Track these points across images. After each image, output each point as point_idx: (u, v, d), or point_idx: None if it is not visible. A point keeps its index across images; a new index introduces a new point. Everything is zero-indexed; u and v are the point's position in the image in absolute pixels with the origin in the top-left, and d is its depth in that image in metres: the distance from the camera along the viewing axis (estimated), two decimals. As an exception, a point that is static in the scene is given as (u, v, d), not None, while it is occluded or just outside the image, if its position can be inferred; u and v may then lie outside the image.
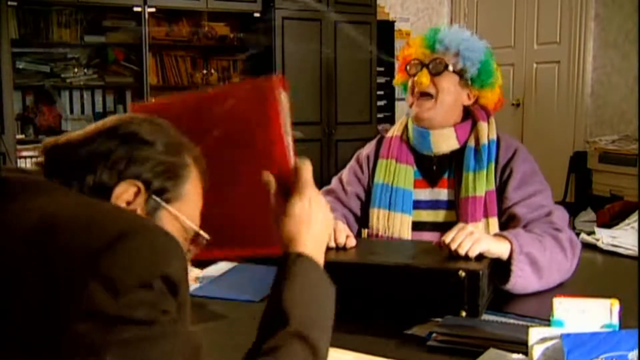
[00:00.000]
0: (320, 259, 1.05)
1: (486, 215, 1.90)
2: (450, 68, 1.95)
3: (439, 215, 1.98)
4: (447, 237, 1.62)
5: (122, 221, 0.85)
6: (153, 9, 5.06)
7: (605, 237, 2.31)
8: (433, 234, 1.94)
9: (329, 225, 1.10)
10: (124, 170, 0.94)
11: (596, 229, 2.44)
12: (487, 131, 1.96)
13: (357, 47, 5.71)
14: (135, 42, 5.09)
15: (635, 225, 2.62)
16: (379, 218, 2.00)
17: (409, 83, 2.01)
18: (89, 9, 5.04)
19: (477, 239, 1.61)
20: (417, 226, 1.98)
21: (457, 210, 1.94)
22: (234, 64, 5.72)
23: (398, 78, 2.10)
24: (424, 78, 1.94)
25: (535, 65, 6.09)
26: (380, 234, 1.98)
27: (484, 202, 1.90)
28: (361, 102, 5.82)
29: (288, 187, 1.08)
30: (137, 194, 0.94)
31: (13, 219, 0.85)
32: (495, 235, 1.74)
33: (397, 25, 6.45)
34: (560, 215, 1.87)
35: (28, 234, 0.82)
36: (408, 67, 2.01)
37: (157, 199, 0.96)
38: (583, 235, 2.30)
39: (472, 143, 1.97)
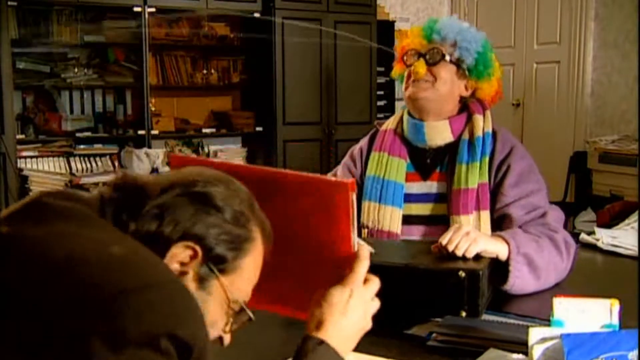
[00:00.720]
0: (344, 353, 1.03)
1: (478, 208, 1.88)
2: (447, 58, 1.93)
3: (429, 209, 1.96)
4: (444, 239, 1.62)
5: (146, 271, 0.83)
6: (153, 9, 5.05)
7: (605, 237, 2.31)
8: (423, 228, 1.94)
9: (363, 326, 1.08)
10: (188, 230, 0.91)
11: (596, 229, 2.44)
12: (482, 124, 1.94)
13: (357, 47, 5.71)
14: (135, 42, 5.08)
15: (635, 225, 2.62)
16: (369, 211, 1.98)
17: (406, 72, 1.99)
18: (89, 9, 5.03)
19: (473, 239, 1.61)
20: (407, 220, 1.96)
21: (448, 202, 1.92)
22: (234, 64, 5.72)
23: (396, 69, 2.08)
24: (421, 67, 1.92)
25: (535, 65, 6.09)
26: (370, 226, 1.97)
27: (476, 194, 1.88)
28: (361, 102, 5.82)
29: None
30: (192, 257, 0.92)
31: (41, 243, 0.83)
32: (493, 235, 1.74)
33: (397, 25, 6.45)
34: (556, 216, 1.86)
35: (50, 262, 0.81)
36: (405, 58, 1.99)
37: (213, 267, 0.93)
38: (583, 235, 2.30)
39: (466, 136, 1.95)
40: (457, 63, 1.95)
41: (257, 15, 5.42)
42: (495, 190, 1.89)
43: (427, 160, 1.99)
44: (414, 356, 1.37)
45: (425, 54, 1.95)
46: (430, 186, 1.98)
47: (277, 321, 1.63)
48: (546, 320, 1.27)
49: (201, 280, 0.93)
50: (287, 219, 1.09)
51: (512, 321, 1.50)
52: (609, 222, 3.64)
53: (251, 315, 1.01)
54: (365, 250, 1.10)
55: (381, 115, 6.12)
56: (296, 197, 1.09)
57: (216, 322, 0.98)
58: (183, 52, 5.49)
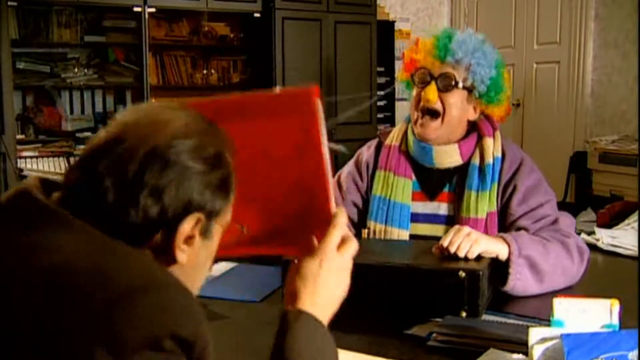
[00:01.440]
0: (324, 320, 1.03)
1: None
2: (460, 85, 1.88)
3: (436, 230, 1.93)
4: (445, 241, 1.63)
5: (135, 274, 0.83)
6: (153, 9, 5.05)
7: (605, 237, 2.31)
8: None
9: (339, 294, 1.08)
10: (187, 205, 0.90)
11: (596, 229, 2.44)
12: (492, 148, 1.91)
13: (357, 47, 5.72)
14: (136, 42, 5.08)
15: (636, 225, 2.61)
16: (375, 231, 1.97)
17: (414, 92, 1.94)
18: (89, 9, 5.03)
19: (475, 239, 1.62)
20: (413, 239, 1.94)
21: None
22: (234, 64, 5.72)
23: (403, 75, 2.01)
24: (432, 95, 1.87)
25: (535, 65, 6.09)
26: None
27: (484, 224, 1.87)
28: (361, 103, 5.81)
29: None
30: (197, 223, 0.92)
31: (23, 254, 0.83)
32: (496, 236, 1.74)
33: (397, 26, 6.45)
34: (567, 222, 1.88)
35: (35, 276, 0.80)
36: (415, 76, 1.94)
37: (213, 220, 0.95)
38: (583, 235, 2.30)
39: (476, 160, 1.92)
40: (469, 89, 1.90)
41: (257, 15, 5.42)
42: (503, 211, 1.89)
43: (433, 180, 1.97)
44: (414, 356, 1.37)
45: (437, 78, 1.88)
46: (438, 207, 1.96)
47: (274, 322, 1.64)
48: (546, 320, 1.27)
49: (205, 233, 0.95)
50: (258, 146, 1.08)
51: (512, 321, 1.50)
52: (609, 222, 3.64)
53: (243, 229, 1.06)
54: (341, 216, 1.07)
55: (381, 116, 6.13)
56: (263, 117, 1.07)
57: (216, 250, 1.02)
58: (183, 52, 5.50)
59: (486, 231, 1.84)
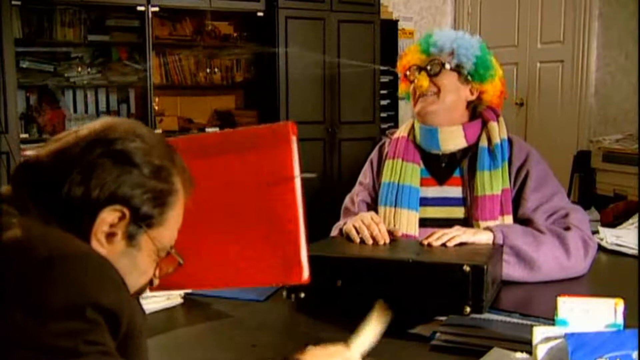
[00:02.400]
0: None
1: (502, 213, 1.93)
2: (447, 66, 1.99)
3: (447, 212, 1.99)
4: (425, 241, 1.73)
5: (55, 245, 0.84)
6: (156, 8, 5.06)
7: (609, 237, 2.30)
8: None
9: None
10: (114, 193, 0.93)
11: (600, 229, 2.44)
12: (498, 130, 1.99)
13: (360, 46, 5.71)
14: (139, 42, 5.09)
15: (639, 224, 2.61)
16: (385, 215, 2.00)
17: (411, 89, 2.05)
18: (92, 8, 5.04)
19: (454, 234, 1.73)
20: (424, 222, 1.99)
21: (469, 208, 1.96)
22: (238, 63, 5.72)
23: (402, 88, 2.15)
24: (424, 81, 1.99)
25: (538, 64, 6.08)
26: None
27: (500, 200, 1.93)
28: (364, 102, 5.81)
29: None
30: (121, 218, 0.94)
31: None
32: (484, 229, 1.83)
33: (401, 25, 6.45)
34: (578, 217, 1.91)
35: None
36: (408, 74, 2.06)
37: (141, 224, 0.96)
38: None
39: (484, 143, 1.99)
40: (458, 70, 2.00)
41: (260, 14, 5.42)
42: (517, 196, 1.94)
43: (441, 165, 2.02)
44: (418, 355, 1.37)
45: (425, 67, 2.00)
46: (449, 191, 2.01)
47: (277, 321, 1.64)
48: (550, 319, 1.27)
49: (130, 238, 0.96)
50: (236, 177, 1.14)
51: (516, 320, 1.50)
52: (613, 222, 3.63)
53: (180, 259, 1.04)
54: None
55: (384, 115, 6.12)
56: (243, 150, 1.13)
57: (146, 271, 1.01)
58: (186, 51, 5.50)
59: (502, 208, 1.92)
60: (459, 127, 2.00)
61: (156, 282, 1.04)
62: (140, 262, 0.98)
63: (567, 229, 1.85)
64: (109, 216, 0.93)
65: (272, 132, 1.12)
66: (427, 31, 2.17)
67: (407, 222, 1.97)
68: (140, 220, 0.95)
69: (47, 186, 0.92)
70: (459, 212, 1.98)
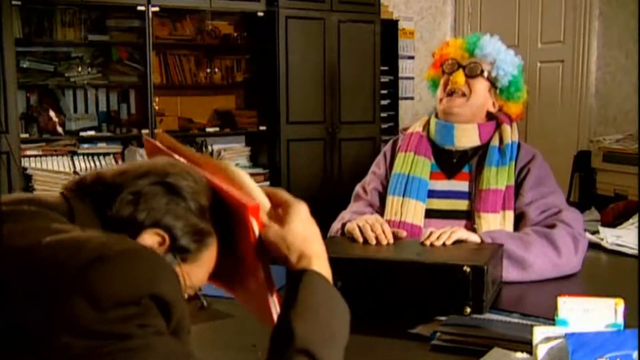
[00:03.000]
0: (327, 274, 1.03)
1: (504, 208, 1.97)
2: (485, 74, 2.06)
3: (452, 204, 2.04)
4: (427, 241, 1.74)
5: (112, 242, 0.86)
6: (157, 8, 5.06)
7: (609, 237, 2.30)
8: (445, 222, 1.98)
9: (321, 240, 1.07)
10: (160, 219, 0.96)
11: (600, 229, 2.44)
12: (510, 133, 2.05)
13: (360, 46, 5.71)
14: (139, 41, 5.09)
15: (639, 224, 2.61)
16: (392, 205, 2.05)
17: (442, 80, 2.10)
18: (92, 8, 5.04)
19: (451, 231, 1.75)
20: (429, 213, 2.03)
21: (473, 200, 2.01)
22: (238, 63, 5.72)
23: (429, 72, 2.20)
24: (460, 77, 2.04)
25: (539, 64, 6.08)
26: (393, 219, 2.03)
27: (503, 195, 1.97)
28: (365, 101, 5.81)
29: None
30: (160, 244, 0.97)
31: (9, 238, 0.86)
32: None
33: (401, 24, 6.45)
34: (570, 215, 1.93)
35: (18, 249, 0.84)
36: (444, 65, 2.10)
37: (177, 255, 0.98)
38: (587, 235, 2.30)
39: (496, 142, 2.05)
40: (492, 81, 2.07)
41: (260, 14, 5.42)
42: (516, 191, 2.00)
43: (452, 161, 2.08)
44: (418, 355, 1.37)
45: (465, 66, 2.06)
46: (456, 185, 2.06)
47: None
48: (550, 319, 1.27)
49: None
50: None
51: (516, 320, 1.50)
52: (613, 222, 3.63)
53: (204, 302, 1.08)
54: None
55: (385, 115, 6.13)
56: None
57: None
58: (187, 51, 5.50)
59: (504, 203, 1.97)
60: (475, 126, 2.06)
61: None
62: None
63: (554, 226, 1.89)
64: (149, 238, 0.96)
65: (233, 208, 1.02)
66: (474, 33, 2.23)
67: (414, 212, 2.02)
68: (177, 251, 0.98)
69: (100, 201, 0.96)
70: (463, 204, 2.03)
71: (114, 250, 0.84)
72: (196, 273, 1.02)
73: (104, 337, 0.78)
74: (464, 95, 2.05)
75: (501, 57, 2.06)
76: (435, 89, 2.15)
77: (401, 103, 6.37)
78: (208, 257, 1.03)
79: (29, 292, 0.80)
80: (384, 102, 6.12)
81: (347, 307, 1.02)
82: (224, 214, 1.03)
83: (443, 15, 6.89)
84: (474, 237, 1.81)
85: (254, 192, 1.04)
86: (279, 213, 1.04)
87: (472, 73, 2.05)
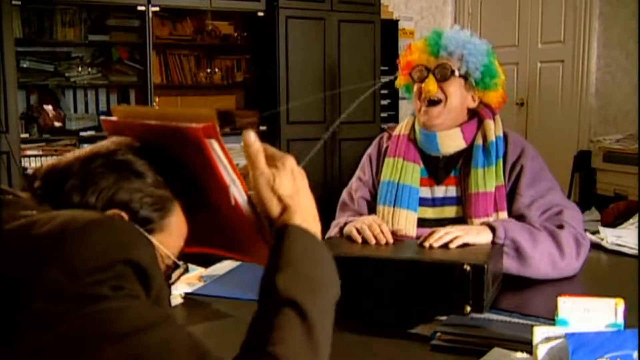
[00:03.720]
0: (313, 228, 0.98)
1: (496, 210, 1.92)
2: (456, 73, 1.97)
3: (444, 212, 2.00)
4: (427, 242, 1.71)
5: (85, 215, 0.86)
6: (157, 8, 5.06)
7: (609, 237, 2.30)
8: None
9: (310, 195, 1.02)
10: (112, 198, 0.95)
11: (600, 229, 2.44)
12: (494, 129, 1.99)
13: (361, 46, 5.71)
14: (139, 41, 5.09)
15: (640, 224, 2.61)
16: (383, 215, 2.00)
17: (414, 88, 2.03)
18: (93, 8, 5.04)
19: (455, 235, 1.71)
20: (421, 223, 1.99)
21: (464, 205, 1.97)
22: (238, 63, 5.72)
23: (400, 80, 2.11)
24: (432, 85, 1.96)
25: (539, 64, 6.08)
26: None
27: (493, 198, 1.93)
28: (365, 101, 5.81)
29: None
30: None
31: None
32: (482, 225, 1.83)
33: (401, 24, 6.45)
34: (571, 214, 1.90)
35: None
36: (413, 73, 2.02)
37: (141, 229, 0.96)
38: (587, 235, 2.30)
39: (479, 141, 1.99)
40: (465, 76, 1.98)
41: (260, 14, 5.42)
42: (512, 191, 1.94)
43: (440, 166, 2.03)
44: (418, 355, 1.37)
45: (434, 70, 1.98)
46: (445, 190, 2.02)
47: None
48: (551, 319, 1.27)
49: None
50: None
51: (516, 320, 1.50)
52: (613, 222, 3.63)
53: (181, 264, 1.04)
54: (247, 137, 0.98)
55: (385, 115, 6.12)
56: (177, 146, 1.00)
57: None
58: (187, 51, 5.50)
59: (496, 206, 1.92)
60: (457, 130, 2.00)
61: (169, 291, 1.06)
62: None
63: (561, 227, 1.85)
64: None
65: (184, 134, 0.95)
66: (434, 29, 2.11)
67: (406, 222, 1.97)
68: (140, 225, 0.96)
69: (52, 196, 0.95)
70: (455, 210, 1.99)
71: (85, 219, 0.83)
72: (168, 242, 1.00)
73: (78, 301, 0.78)
74: (440, 101, 1.97)
75: (468, 49, 1.96)
76: (410, 94, 2.08)
77: (401, 103, 6.37)
78: (175, 223, 1.01)
79: (3, 269, 0.80)
80: (384, 102, 6.12)
81: (332, 259, 0.98)
82: (178, 167, 1.00)
83: (443, 15, 6.89)
84: (485, 238, 1.76)
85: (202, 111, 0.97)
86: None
87: (443, 77, 1.97)
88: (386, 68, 6.09)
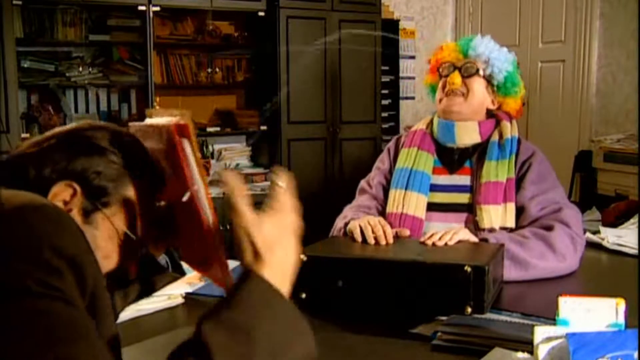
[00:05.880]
0: (281, 287, 0.88)
1: (505, 200, 1.99)
2: (480, 72, 2.11)
3: (454, 197, 2.07)
4: (427, 238, 1.77)
5: (13, 198, 0.85)
6: (157, 8, 5.05)
7: (610, 237, 2.30)
8: (446, 215, 2.04)
9: (294, 255, 0.92)
10: (66, 169, 0.95)
11: (601, 228, 2.44)
12: (510, 129, 2.10)
13: (361, 46, 5.71)
14: (140, 41, 5.08)
15: (641, 224, 2.60)
16: (395, 197, 2.08)
17: (440, 82, 2.15)
18: (93, 8, 5.04)
19: (453, 232, 1.78)
20: (431, 207, 2.06)
21: (474, 193, 2.03)
22: (239, 62, 5.72)
23: (427, 79, 2.26)
24: (457, 78, 2.10)
25: (540, 64, 6.08)
26: (395, 211, 2.05)
27: (504, 188, 2.00)
28: (366, 101, 5.81)
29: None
30: (73, 195, 0.95)
31: None
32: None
33: (402, 24, 6.45)
34: (570, 214, 1.94)
35: None
36: (440, 69, 2.16)
37: (95, 201, 0.96)
38: (588, 235, 2.30)
39: (495, 138, 2.09)
40: (488, 79, 2.12)
41: (261, 13, 5.42)
42: (517, 184, 2.03)
43: (454, 157, 2.12)
44: (419, 355, 1.37)
45: (460, 67, 2.12)
46: (458, 179, 2.10)
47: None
48: (551, 319, 1.27)
49: (86, 215, 0.97)
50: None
51: (517, 320, 1.50)
52: (614, 222, 3.63)
53: (133, 237, 1.01)
54: (279, 178, 0.93)
55: (385, 114, 6.12)
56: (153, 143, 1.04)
57: (109, 255, 1.01)
58: (187, 50, 5.50)
59: (505, 196, 1.99)
60: (475, 123, 2.10)
61: (132, 273, 1.06)
62: (101, 243, 0.98)
63: (551, 228, 1.90)
64: (60, 192, 0.95)
65: (159, 133, 0.97)
66: (469, 36, 2.28)
67: (416, 205, 2.05)
68: (95, 197, 0.96)
69: (12, 176, 0.95)
70: (464, 197, 2.06)
71: (12, 204, 0.82)
72: (124, 215, 1.00)
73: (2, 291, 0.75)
74: (462, 95, 2.10)
75: (494, 54, 2.12)
76: (434, 94, 2.20)
77: (402, 103, 6.37)
78: (131, 197, 1.00)
79: None
80: (384, 102, 6.11)
81: (296, 318, 0.86)
82: (146, 157, 1.01)
83: (444, 15, 6.88)
84: (475, 240, 1.83)
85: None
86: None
87: (468, 73, 2.11)
88: (387, 68, 6.10)
